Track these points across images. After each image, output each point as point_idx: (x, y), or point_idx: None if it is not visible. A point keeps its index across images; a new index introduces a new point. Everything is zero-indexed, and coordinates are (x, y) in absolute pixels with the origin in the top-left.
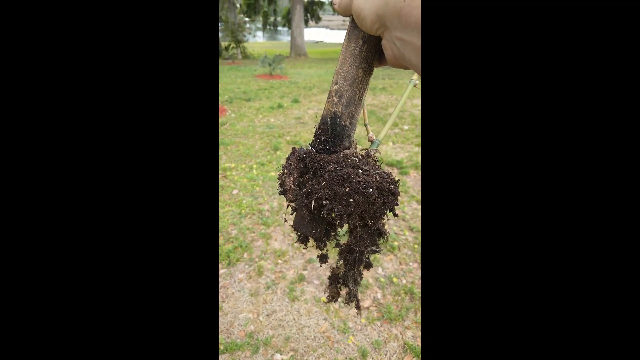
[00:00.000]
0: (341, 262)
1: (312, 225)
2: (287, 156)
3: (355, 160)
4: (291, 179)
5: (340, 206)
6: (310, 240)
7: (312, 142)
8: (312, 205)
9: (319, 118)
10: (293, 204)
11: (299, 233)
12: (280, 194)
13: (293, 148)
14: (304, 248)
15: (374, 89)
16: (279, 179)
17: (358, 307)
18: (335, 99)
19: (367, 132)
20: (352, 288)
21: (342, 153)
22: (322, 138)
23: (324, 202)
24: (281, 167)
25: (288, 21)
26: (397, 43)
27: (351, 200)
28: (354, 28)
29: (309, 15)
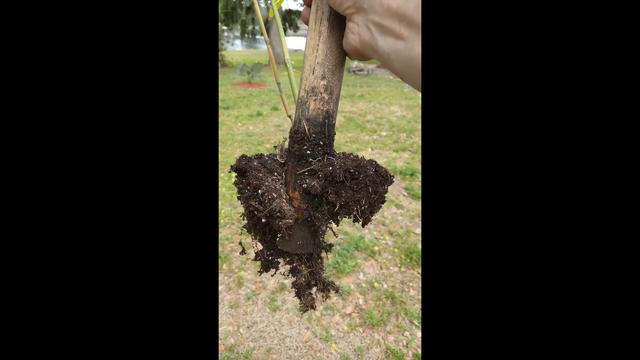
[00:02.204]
0: (303, 265)
1: (314, 240)
2: (252, 178)
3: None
4: (284, 200)
5: (380, 205)
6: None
7: (307, 148)
8: (364, 217)
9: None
10: (289, 229)
11: (275, 258)
12: (265, 220)
13: (255, 164)
14: (272, 275)
15: (352, 96)
16: (267, 207)
17: (337, 290)
18: (326, 96)
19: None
20: (324, 279)
21: (354, 155)
22: (322, 142)
23: (365, 208)
24: (261, 194)
25: (266, 30)
26: (372, 28)
27: (385, 195)
28: (338, 14)
29: (287, 24)
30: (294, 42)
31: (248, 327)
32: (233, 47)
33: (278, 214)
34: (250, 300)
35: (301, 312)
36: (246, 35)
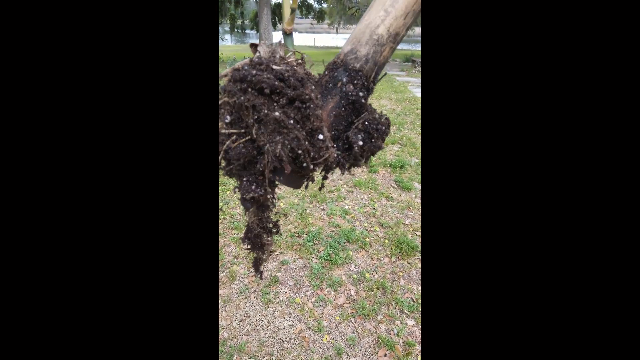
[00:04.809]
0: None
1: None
2: (314, 118)
3: None
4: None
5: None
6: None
7: (364, 97)
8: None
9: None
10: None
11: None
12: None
13: (312, 92)
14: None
15: None
16: (322, 156)
17: (278, 230)
18: (395, 47)
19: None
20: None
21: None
22: (369, 93)
23: None
24: (322, 140)
25: (256, 24)
26: None
27: None
28: None
29: (276, 18)
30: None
31: (241, 321)
32: (223, 42)
33: (327, 163)
34: (243, 294)
35: (251, 255)
36: (236, 30)
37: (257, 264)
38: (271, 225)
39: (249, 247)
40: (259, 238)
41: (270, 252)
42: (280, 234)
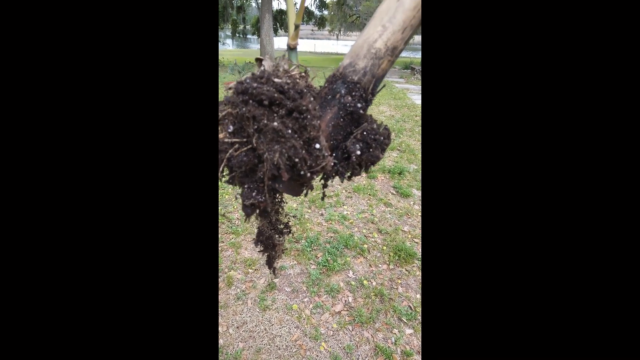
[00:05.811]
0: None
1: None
2: (311, 128)
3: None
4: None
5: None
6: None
7: (362, 108)
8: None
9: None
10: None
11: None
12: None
13: (309, 104)
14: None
15: None
16: (319, 164)
17: (289, 231)
18: (393, 60)
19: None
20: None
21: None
22: (368, 105)
23: None
24: (318, 149)
25: (257, 29)
26: None
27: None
28: None
29: (278, 24)
30: (284, 42)
31: (237, 327)
32: (224, 47)
33: (324, 171)
34: (240, 300)
35: (264, 255)
36: (237, 35)
37: (270, 262)
38: (282, 227)
39: (261, 249)
40: (270, 239)
41: (283, 250)
42: (292, 234)
